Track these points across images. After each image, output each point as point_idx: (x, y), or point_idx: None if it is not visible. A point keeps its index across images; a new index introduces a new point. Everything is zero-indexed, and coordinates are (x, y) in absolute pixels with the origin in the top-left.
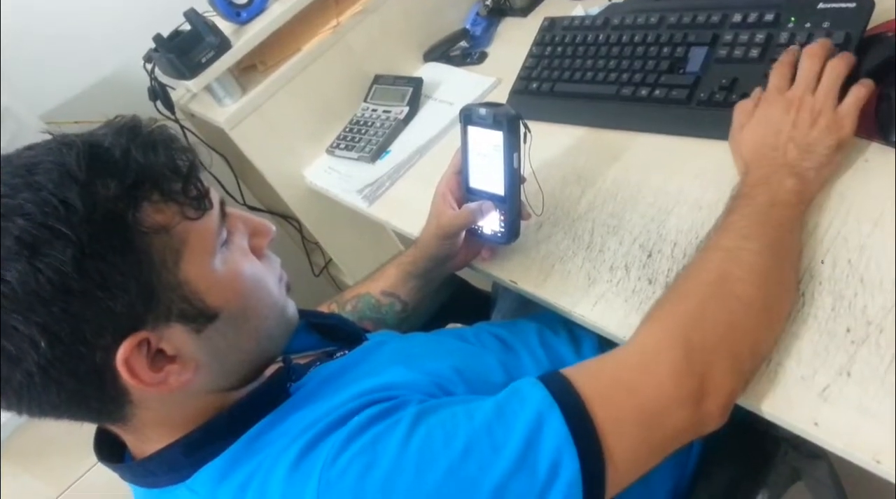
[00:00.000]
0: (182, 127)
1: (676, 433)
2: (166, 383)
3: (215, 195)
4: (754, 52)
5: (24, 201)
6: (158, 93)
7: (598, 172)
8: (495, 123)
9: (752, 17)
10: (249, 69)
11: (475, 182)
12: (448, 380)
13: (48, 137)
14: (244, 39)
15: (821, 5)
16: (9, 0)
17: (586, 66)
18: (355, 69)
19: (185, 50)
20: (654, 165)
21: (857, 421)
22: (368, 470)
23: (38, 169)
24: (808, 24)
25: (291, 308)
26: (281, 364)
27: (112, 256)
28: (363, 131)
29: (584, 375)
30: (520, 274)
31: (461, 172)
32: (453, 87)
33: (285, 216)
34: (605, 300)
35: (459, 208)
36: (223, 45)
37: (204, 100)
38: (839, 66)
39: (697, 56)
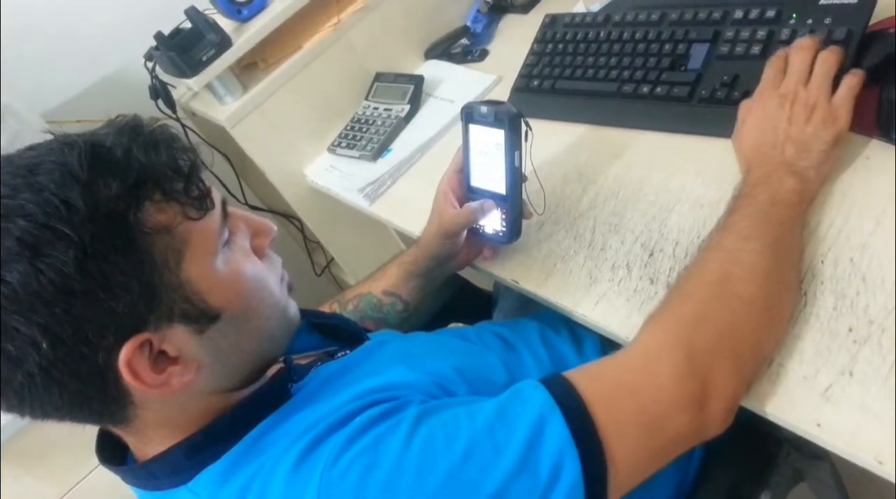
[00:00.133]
0: (183, 125)
1: (679, 437)
2: (168, 384)
3: (217, 195)
4: (756, 49)
5: (25, 202)
6: (159, 91)
7: (600, 170)
8: (496, 121)
9: (754, 14)
10: (250, 67)
11: (476, 181)
12: (449, 380)
13: (49, 136)
14: (245, 37)
15: (822, 1)
16: None
17: (588, 63)
18: (356, 67)
19: (185, 48)
20: (655, 163)
21: (859, 422)
22: (369, 471)
23: (39, 169)
24: (809, 21)
25: (293, 308)
26: (282, 365)
27: (114, 256)
28: (364, 129)
29: (586, 377)
30: (521, 273)
31: (462, 170)
32: (454, 84)
33: (287, 215)
34: (607, 300)
35: (461, 207)
36: (224, 42)
37: (205, 98)
38: (830, 57)
39: (699, 53)
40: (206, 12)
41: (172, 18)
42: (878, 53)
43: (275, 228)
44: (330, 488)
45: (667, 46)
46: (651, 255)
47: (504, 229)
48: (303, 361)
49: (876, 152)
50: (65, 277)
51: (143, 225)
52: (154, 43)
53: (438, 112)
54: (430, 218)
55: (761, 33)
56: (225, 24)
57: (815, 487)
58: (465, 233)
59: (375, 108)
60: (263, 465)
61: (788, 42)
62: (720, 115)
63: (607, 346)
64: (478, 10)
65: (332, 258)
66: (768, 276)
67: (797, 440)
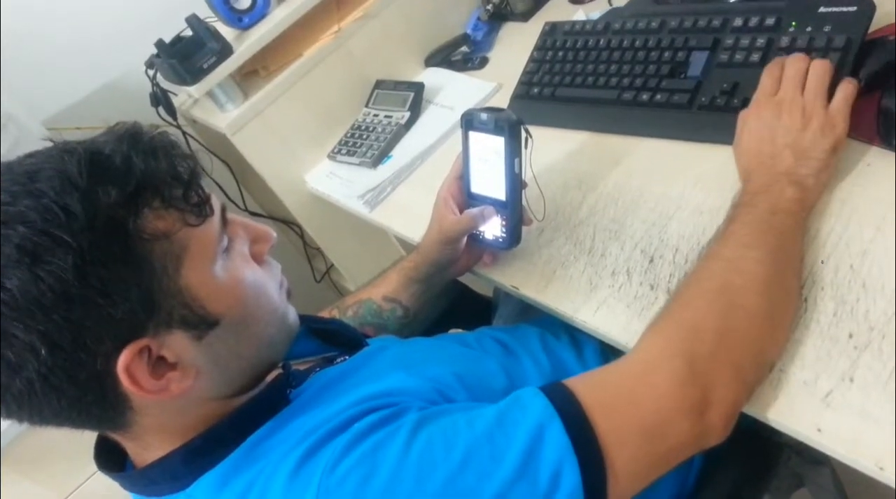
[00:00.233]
0: (184, 133)
1: (679, 445)
2: (167, 390)
3: (216, 201)
4: (755, 57)
5: (25, 209)
6: (160, 98)
7: (600, 177)
8: (496, 128)
9: (753, 22)
10: (251, 75)
11: (476, 187)
12: (449, 386)
13: (49, 143)
14: (246, 45)
15: (822, 9)
16: (11, 5)
17: (587, 70)
18: (357, 74)
19: (186, 55)
20: (655, 170)
21: (859, 427)
22: (368, 478)
23: (39, 176)
24: (809, 29)
25: (292, 315)
26: (281, 370)
27: (113, 263)
28: (365, 136)
29: (586, 385)
30: (521, 279)
31: (462, 177)
32: (454, 92)
33: (287, 222)
34: (607, 306)
35: (461, 213)
36: (225, 50)
37: (206, 105)
38: (825, 64)
39: (698, 61)
40: (208, 20)
41: (173, 26)
42: (877, 61)
43: (274, 234)
44: (328, 495)
45: (666, 54)
46: (651, 261)
47: (504, 235)
48: (302, 367)
49: (876, 159)
50: (64, 283)
51: (143, 232)
52: (155, 50)
53: (438, 119)
54: (430, 224)
55: (761, 41)
56: (226, 31)
57: (816, 492)
58: (465, 239)
59: (376, 116)
60: (262, 471)
61: (788, 50)
62: (720, 123)
63: (607, 351)
64: (478, 18)
65: (332, 264)
66: (769, 284)
67: (798, 445)
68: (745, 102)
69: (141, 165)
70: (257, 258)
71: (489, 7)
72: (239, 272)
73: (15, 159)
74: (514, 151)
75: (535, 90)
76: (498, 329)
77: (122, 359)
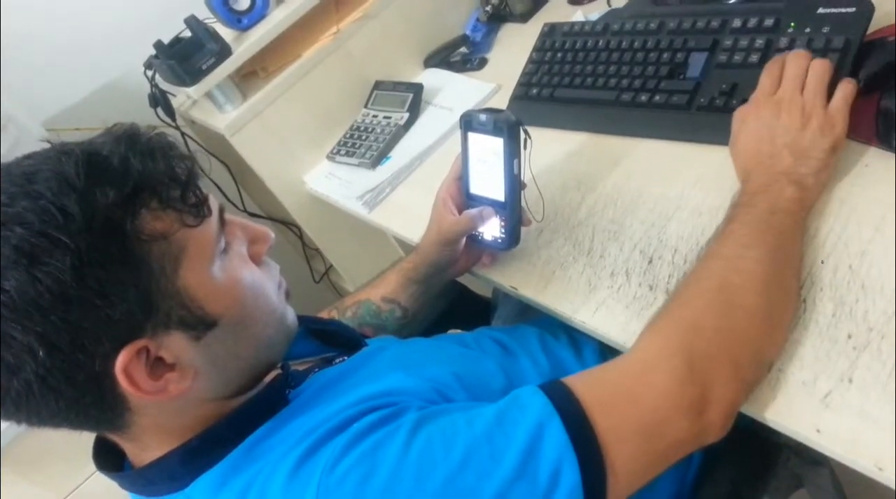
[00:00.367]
0: (182, 134)
1: (678, 443)
2: (165, 391)
3: (214, 202)
4: (754, 58)
5: (22, 210)
6: (159, 99)
7: (599, 178)
8: (496, 129)
9: (752, 23)
10: (250, 75)
11: (475, 188)
12: (448, 386)
13: (47, 144)
14: (245, 46)
15: (820, 10)
16: (10, 7)
17: (586, 71)
18: (356, 75)
19: (185, 56)
20: (654, 171)
21: (858, 428)
22: (368, 478)
23: (36, 178)
24: (807, 30)
25: (291, 315)
26: (279, 371)
27: (111, 264)
28: (364, 137)
29: (585, 383)
30: (520, 280)
31: (461, 177)
32: (453, 93)
33: (286, 223)
34: (606, 307)
35: (460, 214)
36: (224, 51)
37: (204, 106)
38: (824, 64)
39: (697, 62)
40: (206, 21)
41: (172, 27)
42: (876, 62)
43: (272, 234)
44: (328, 494)
45: (665, 55)
46: (650, 262)
47: (503, 236)
48: (300, 367)
49: (875, 160)
50: (61, 284)
51: (140, 232)
52: (154, 51)
53: (437, 120)
54: (429, 225)
55: (759, 42)
56: (225, 32)
57: (815, 493)
58: (464, 240)
59: (375, 116)
60: (261, 471)
61: (786, 51)
62: (718, 123)
63: (606, 351)
64: (477, 19)
65: (331, 265)
66: (768, 283)
67: (797, 446)
68: (743, 103)
69: (138, 166)
70: (255, 259)
71: (488, 8)
72: (237, 273)
73: (13, 161)
74: (513, 152)
75: (534, 91)
76: (497, 330)
77: (121, 360)
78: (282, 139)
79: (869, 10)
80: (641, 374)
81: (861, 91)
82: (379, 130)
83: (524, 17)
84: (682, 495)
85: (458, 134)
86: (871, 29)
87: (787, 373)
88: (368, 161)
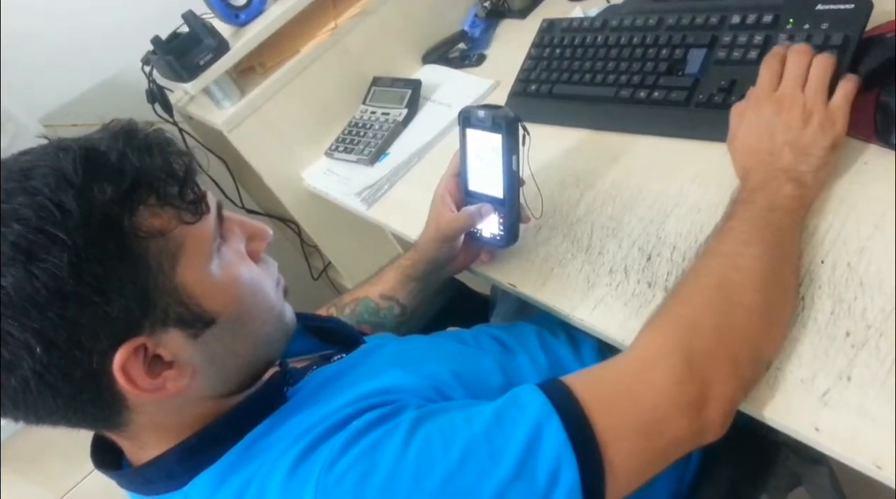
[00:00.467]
0: (180, 129)
1: (677, 442)
2: (163, 389)
3: (212, 199)
4: (753, 54)
5: (19, 206)
6: (157, 95)
7: (597, 175)
8: (494, 126)
9: (751, 19)
10: (248, 71)
11: (474, 185)
12: (446, 384)
13: (45, 141)
14: (242, 41)
15: (819, 6)
16: (8, 4)
17: (585, 68)
18: (354, 71)
19: (183, 52)
20: (653, 168)
21: (857, 426)
22: (366, 476)
23: (34, 173)
24: (806, 26)
25: (289, 313)
26: (278, 369)
27: (108, 260)
28: (362, 134)
29: (584, 382)
30: (519, 277)
31: (460, 174)
32: (452, 89)
33: (284, 219)
34: (605, 304)
35: (458, 211)
36: (221, 47)
37: (202, 102)
38: (826, 60)
39: (696, 58)
40: (204, 16)
41: (170, 23)
42: (875, 58)
43: (270, 231)
44: (326, 493)
45: (664, 51)
46: (649, 259)
47: (501, 233)
48: (299, 365)
49: (874, 157)
50: (59, 281)
51: (138, 229)
52: (151, 47)
53: (436, 116)
54: (428, 222)
55: (758, 38)
56: (222, 28)
57: (813, 491)
58: (462, 237)
59: (373, 113)
60: (259, 469)
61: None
62: (717, 120)
63: (605, 348)
64: (475, 15)
65: (329, 262)
66: (766, 280)
67: (795, 444)
68: (741, 100)
69: (136, 162)
70: (254, 256)
71: (486, 4)
72: (235, 270)
73: (10, 157)
74: (511, 149)
75: (533, 87)
76: (495, 327)
77: (118, 357)
78: (280, 135)
79: (868, 7)
80: (640, 372)
81: (860, 88)
82: (377, 127)
83: (523, 13)
84: (680, 493)
85: (456, 130)
86: (869, 25)
87: (786, 371)
88: (367, 157)
